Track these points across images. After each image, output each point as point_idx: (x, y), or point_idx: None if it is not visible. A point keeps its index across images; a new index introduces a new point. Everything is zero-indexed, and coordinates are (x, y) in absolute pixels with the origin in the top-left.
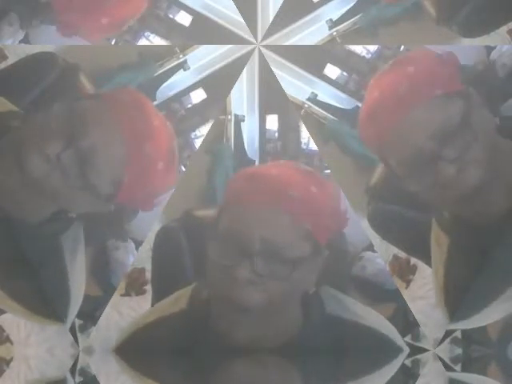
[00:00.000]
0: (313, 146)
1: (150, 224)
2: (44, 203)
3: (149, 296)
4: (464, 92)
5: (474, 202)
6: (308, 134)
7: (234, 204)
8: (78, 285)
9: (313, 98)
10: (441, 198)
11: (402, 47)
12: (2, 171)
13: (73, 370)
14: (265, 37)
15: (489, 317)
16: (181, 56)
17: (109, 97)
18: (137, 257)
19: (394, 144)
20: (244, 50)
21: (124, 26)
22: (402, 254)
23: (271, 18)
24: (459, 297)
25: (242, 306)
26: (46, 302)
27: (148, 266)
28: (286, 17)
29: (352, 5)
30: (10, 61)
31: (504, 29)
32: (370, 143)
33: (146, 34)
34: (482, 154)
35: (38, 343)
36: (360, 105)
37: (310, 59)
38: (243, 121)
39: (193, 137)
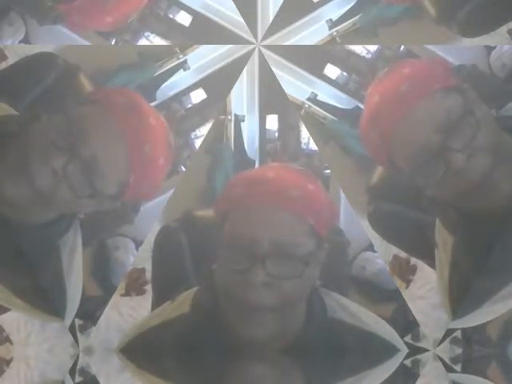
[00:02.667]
0: (313, 146)
1: (149, 224)
2: (49, 210)
3: (149, 296)
4: (460, 87)
5: (480, 195)
6: (308, 134)
7: (237, 210)
8: (75, 287)
9: (313, 98)
10: (449, 191)
11: (402, 47)
12: (6, 181)
13: (73, 370)
14: (265, 37)
15: (490, 313)
16: (181, 56)
17: (104, 100)
18: (137, 257)
19: (401, 142)
20: (244, 50)
21: (128, 20)
22: (402, 254)
23: (271, 18)
24: (462, 295)
25: (257, 307)
26: (46, 299)
27: (148, 266)
28: (286, 17)
29: (352, 5)
30: (10, 61)
31: (504, 29)
32: (374, 148)
33: (146, 33)
34: (487, 142)
35: (38, 343)
36: (360, 105)
37: (310, 59)
38: (243, 121)
39: (193, 137)
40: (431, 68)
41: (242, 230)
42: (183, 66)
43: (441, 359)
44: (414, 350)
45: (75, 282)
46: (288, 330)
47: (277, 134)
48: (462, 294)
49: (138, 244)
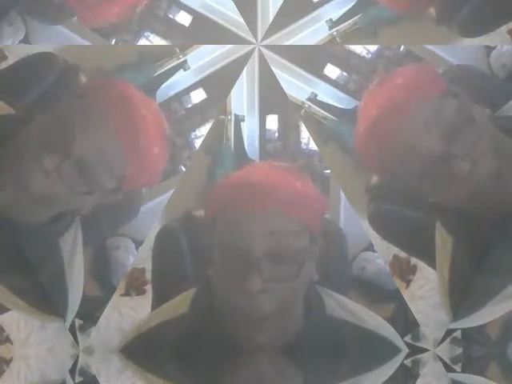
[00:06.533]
0: (313, 146)
1: (150, 224)
2: (48, 209)
3: (149, 296)
4: (453, 91)
5: (487, 199)
6: (308, 134)
7: (226, 216)
8: (77, 285)
9: (313, 98)
10: (454, 197)
11: (402, 47)
12: (3, 182)
13: (73, 370)
14: (265, 37)
15: (490, 314)
16: (181, 56)
17: (93, 93)
18: (137, 257)
19: (402, 154)
20: (244, 50)
21: (136, 9)
22: (402, 254)
23: (271, 18)
24: (462, 296)
25: (256, 315)
26: (46, 299)
27: (148, 266)
28: (286, 17)
29: (352, 5)
30: (10, 61)
31: (504, 29)
32: (373, 160)
33: (145, 33)
34: (489, 145)
35: (38, 343)
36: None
37: (310, 59)
38: (243, 121)
39: (193, 137)
40: (422, 75)
41: (234, 237)
42: (183, 66)
43: (441, 359)
44: (414, 350)
45: (76, 281)
46: (287, 330)
47: (277, 134)
48: (463, 295)
49: (138, 244)
